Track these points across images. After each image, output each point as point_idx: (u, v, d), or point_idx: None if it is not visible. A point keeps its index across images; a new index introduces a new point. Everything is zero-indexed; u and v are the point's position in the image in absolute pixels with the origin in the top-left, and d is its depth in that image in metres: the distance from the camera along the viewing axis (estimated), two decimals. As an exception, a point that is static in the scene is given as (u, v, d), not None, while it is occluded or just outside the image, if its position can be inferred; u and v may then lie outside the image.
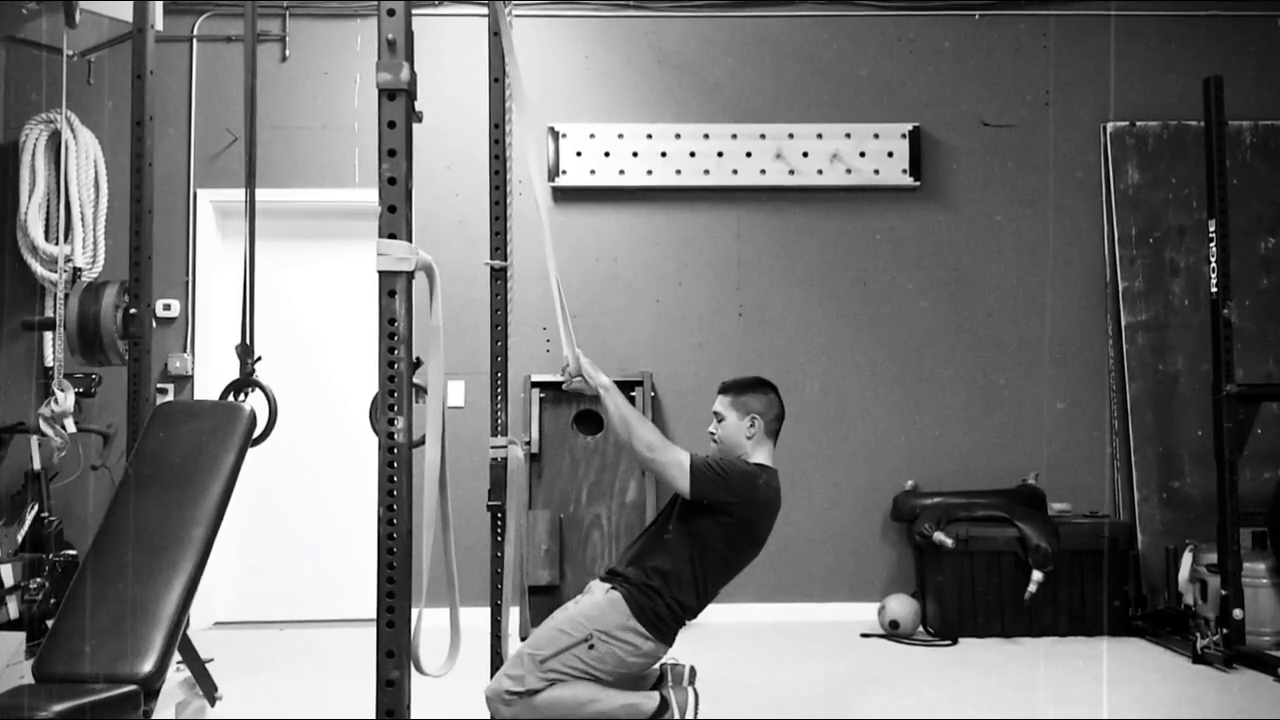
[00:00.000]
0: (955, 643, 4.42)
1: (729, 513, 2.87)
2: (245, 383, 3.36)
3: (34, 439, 4.36)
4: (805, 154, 4.99)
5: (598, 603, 2.87)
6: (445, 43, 4.94)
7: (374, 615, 1.77)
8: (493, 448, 3.14)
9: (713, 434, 3.09)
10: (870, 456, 5.01)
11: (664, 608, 2.84)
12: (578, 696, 2.78)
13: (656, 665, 3.02)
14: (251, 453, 2.93)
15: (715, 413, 3.08)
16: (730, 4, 5.10)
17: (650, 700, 2.85)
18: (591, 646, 2.79)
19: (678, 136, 4.98)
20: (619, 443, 2.91)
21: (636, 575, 2.88)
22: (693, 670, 3.03)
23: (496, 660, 3.13)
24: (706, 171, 4.98)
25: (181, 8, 4.92)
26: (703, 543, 2.88)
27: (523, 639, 3.29)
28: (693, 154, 4.98)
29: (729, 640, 4.47)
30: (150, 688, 2.26)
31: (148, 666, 2.27)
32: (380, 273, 1.76)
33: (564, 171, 4.95)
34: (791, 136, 4.99)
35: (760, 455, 3.02)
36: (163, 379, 4.86)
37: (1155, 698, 3.55)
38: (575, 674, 2.79)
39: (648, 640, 2.83)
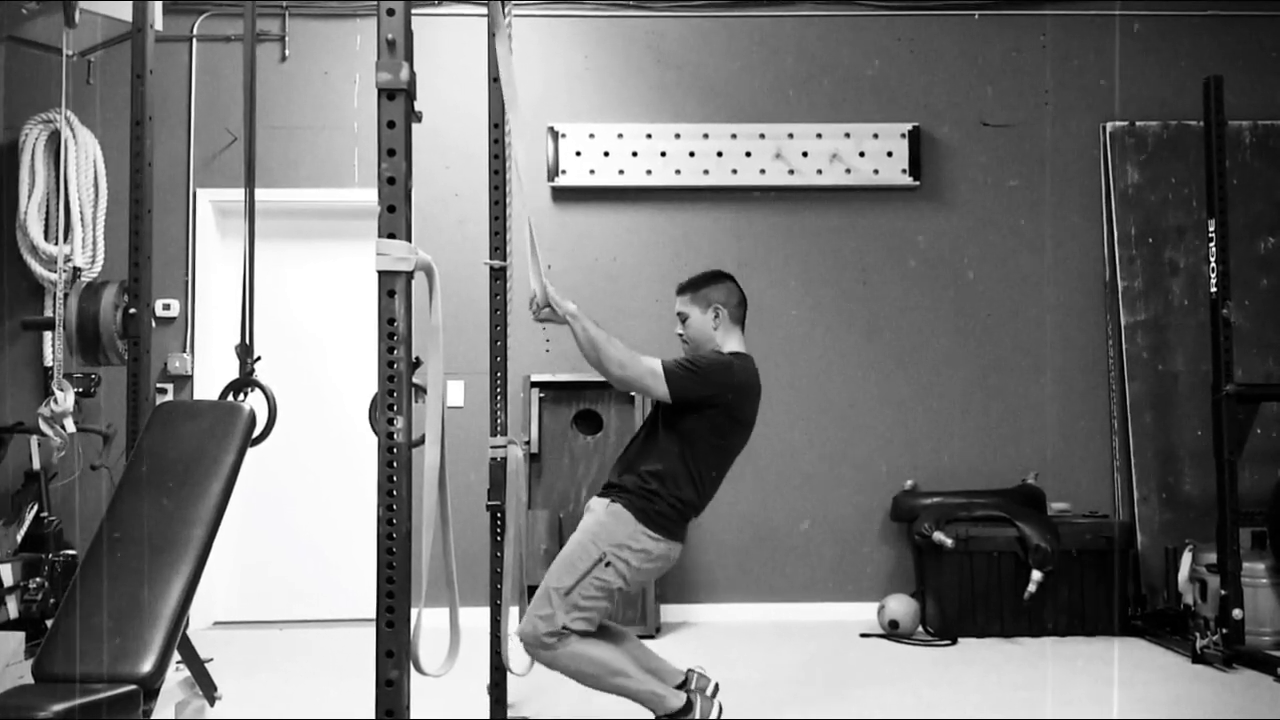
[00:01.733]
0: (955, 642, 4.43)
1: (712, 404, 2.88)
2: (245, 382, 3.36)
3: (34, 439, 4.36)
4: (805, 154, 4.99)
5: (601, 519, 2.88)
6: (444, 43, 4.94)
7: (373, 615, 1.77)
8: (492, 447, 3.15)
9: (681, 335, 3.11)
10: (870, 456, 5.01)
11: (666, 507, 2.86)
12: (610, 663, 2.80)
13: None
14: (251, 452, 2.92)
15: (678, 314, 3.11)
16: (730, 4, 5.10)
17: (677, 698, 2.85)
18: (608, 564, 2.81)
19: (677, 136, 4.98)
20: (602, 372, 2.82)
21: (633, 482, 2.89)
22: (716, 685, 3.03)
23: (496, 660, 3.13)
24: (706, 171, 4.98)
25: (181, 7, 4.92)
26: (692, 438, 2.89)
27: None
28: (692, 154, 4.98)
29: (729, 640, 4.47)
30: (150, 687, 2.26)
31: (147, 666, 2.27)
32: (380, 272, 1.76)
33: (563, 171, 4.95)
34: (791, 136, 4.99)
35: (731, 343, 3.05)
36: (162, 379, 4.86)
37: (1155, 697, 3.55)
38: (601, 597, 2.80)
39: (659, 542, 2.86)
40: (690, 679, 3.01)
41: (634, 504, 2.85)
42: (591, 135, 4.96)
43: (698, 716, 2.86)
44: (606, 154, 4.96)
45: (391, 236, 1.77)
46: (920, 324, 5.06)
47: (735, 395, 2.93)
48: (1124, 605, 4.56)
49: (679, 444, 2.89)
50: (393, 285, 1.77)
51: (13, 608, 3.83)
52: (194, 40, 4.98)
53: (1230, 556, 4.04)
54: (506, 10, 3.00)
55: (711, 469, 2.95)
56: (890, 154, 5.00)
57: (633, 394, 4.58)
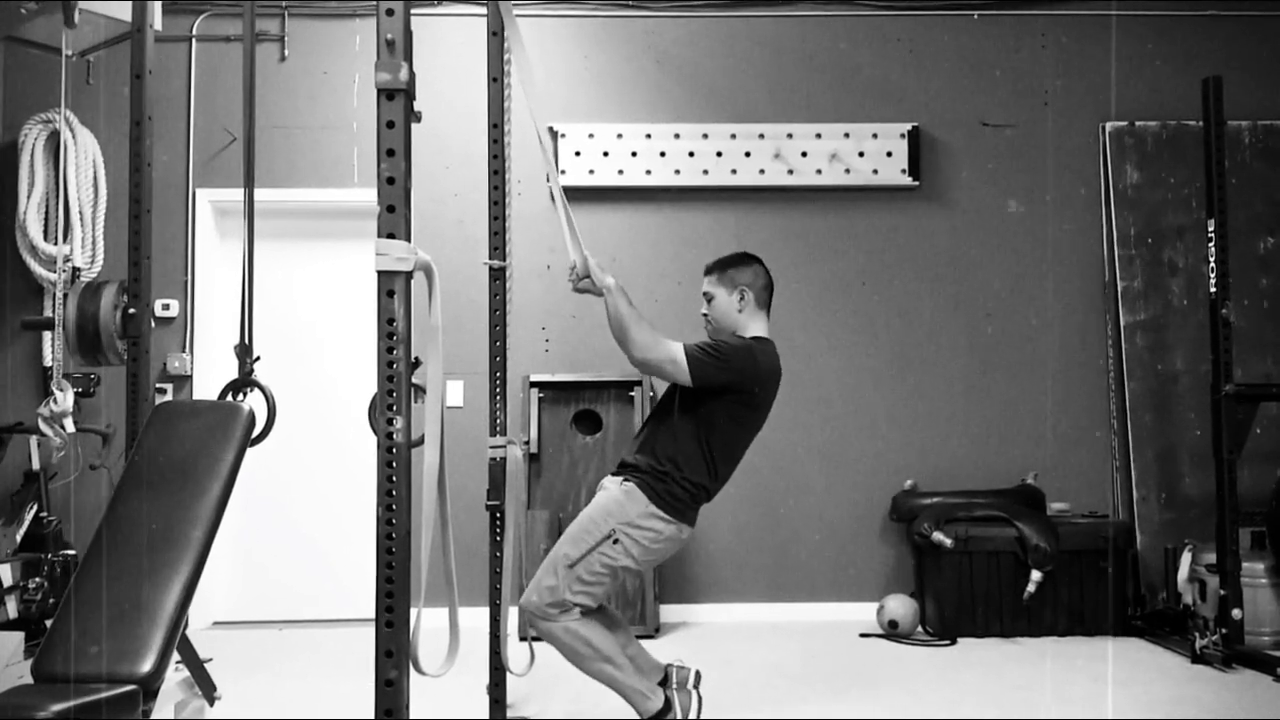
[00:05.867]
0: (954, 643, 4.43)
1: (732, 390, 2.88)
2: (244, 382, 3.36)
3: (33, 439, 4.36)
4: (804, 154, 4.99)
5: (614, 496, 2.89)
6: (445, 43, 4.94)
7: (373, 615, 1.78)
8: (491, 447, 3.15)
9: (705, 315, 3.10)
10: (869, 456, 5.01)
11: (679, 489, 2.87)
12: (603, 648, 2.81)
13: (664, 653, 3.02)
14: (250, 452, 2.92)
15: (705, 294, 3.09)
16: (729, 4, 5.10)
17: (655, 699, 2.86)
18: (616, 541, 2.83)
19: (676, 136, 4.98)
20: (624, 351, 2.77)
21: (647, 463, 2.90)
22: (698, 674, 3.03)
23: (496, 660, 3.13)
24: (705, 171, 4.98)
25: (180, 7, 4.92)
26: (709, 422, 2.89)
27: (521, 639, 3.30)
28: (691, 154, 4.98)
29: (729, 640, 4.47)
30: (149, 687, 2.26)
31: (147, 666, 2.27)
32: (379, 272, 1.76)
33: (563, 171, 4.94)
34: (790, 136, 4.99)
35: (755, 327, 3.04)
36: (162, 379, 4.86)
37: (1154, 697, 3.55)
38: (606, 574, 2.83)
39: (670, 524, 2.87)
40: (670, 675, 3.01)
41: (647, 484, 2.86)
42: (591, 135, 4.96)
43: (678, 716, 2.87)
44: (606, 154, 4.96)
45: (391, 236, 1.77)
46: (920, 323, 5.06)
47: (757, 384, 2.93)
48: (1123, 605, 4.56)
49: (696, 427, 2.89)
50: (392, 285, 1.77)
51: (12, 608, 3.83)
52: (193, 40, 4.98)
53: (1230, 556, 4.04)
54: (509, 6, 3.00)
55: (726, 455, 2.95)
56: (890, 154, 5.00)
57: (633, 395, 4.59)
